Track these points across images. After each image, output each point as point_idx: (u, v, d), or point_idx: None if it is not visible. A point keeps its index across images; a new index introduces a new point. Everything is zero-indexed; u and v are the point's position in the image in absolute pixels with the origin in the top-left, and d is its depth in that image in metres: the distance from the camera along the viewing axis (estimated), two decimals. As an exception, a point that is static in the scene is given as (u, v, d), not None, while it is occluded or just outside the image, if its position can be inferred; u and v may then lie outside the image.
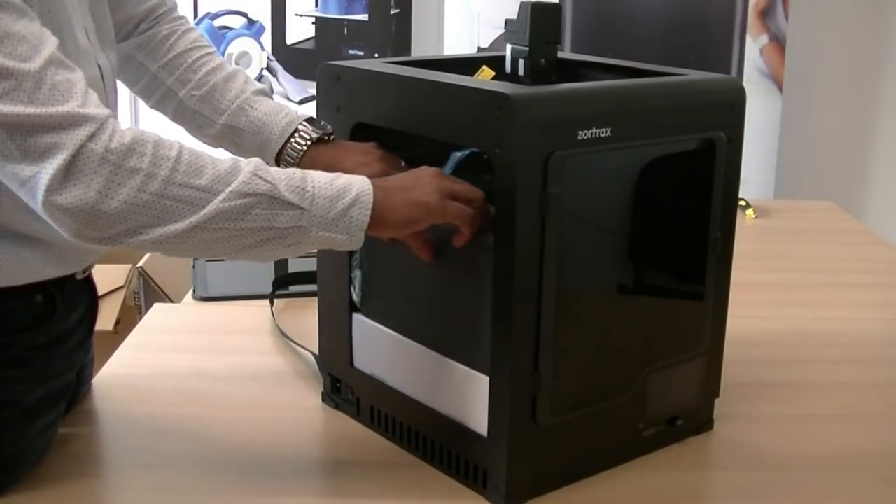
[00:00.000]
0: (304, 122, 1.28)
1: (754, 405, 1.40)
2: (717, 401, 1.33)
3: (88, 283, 1.32)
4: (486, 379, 1.12)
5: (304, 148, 1.26)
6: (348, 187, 1.06)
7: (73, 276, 1.23)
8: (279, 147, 1.28)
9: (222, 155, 1.10)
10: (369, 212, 1.06)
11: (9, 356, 1.15)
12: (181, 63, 1.34)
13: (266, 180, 1.03)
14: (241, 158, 1.06)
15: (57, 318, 1.20)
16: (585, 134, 1.07)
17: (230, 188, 1.01)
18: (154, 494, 1.17)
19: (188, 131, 1.35)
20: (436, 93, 1.14)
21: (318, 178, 1.07)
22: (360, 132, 1.24)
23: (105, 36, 1.23)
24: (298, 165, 1.26)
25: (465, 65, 1.29)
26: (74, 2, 1.14)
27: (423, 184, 1.10)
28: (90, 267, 1.30)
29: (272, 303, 1.69)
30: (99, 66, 1.19)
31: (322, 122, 1.28)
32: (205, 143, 1.33)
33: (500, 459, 1.12)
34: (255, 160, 1.06)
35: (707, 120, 1.20)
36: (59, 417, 1.26)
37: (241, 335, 1.61)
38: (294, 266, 1.88)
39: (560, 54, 1.26)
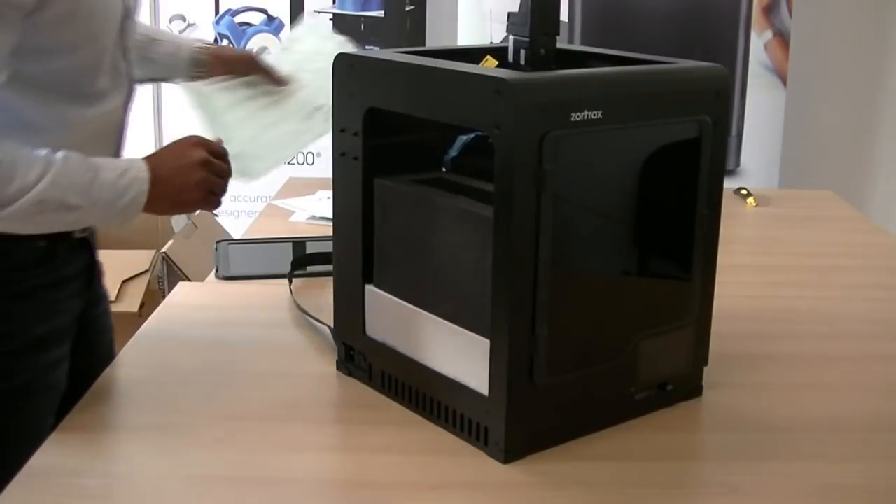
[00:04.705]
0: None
1: (743, 374, 1.49)
2: (707, 370, 1.41)
3: (87, 244, 1.51)
4: (486, 342, 1.21)
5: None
6: (128, 187, 1.32)
7: (70, 233, 1.43)
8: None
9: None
10: (140, 209, 1.34)
11: (20, 289, 1.38)
12: None
13: (61, 186, 1.27)
14: (53, 160, 1.27)
15: (58, 263, 1.42)
16: (578, 116, 1.16)
17: (28, 196, 1.25)
18: (177, 448, 1.26)
19: None
20: (442, 79, 1.23)
21: (105, 179, 1.30)
22: (372, 116, 1.33)
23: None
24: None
25: (471, 55, 1.38)
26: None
27: (190, 186, 1.36)
28: (88, 231, 1.50)
29: (291, 282, 1.78)
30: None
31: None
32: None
33: (499, 417, 1.21)
34: (57, 168, 1.27)
35: (694, 104, 1.29)
36: (67, 358, 1.45)
37: (260, 311, 1.71)
38: (311, 248, 1.98)
39: (561, 46, 1.35)
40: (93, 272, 1.55)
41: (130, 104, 1.48)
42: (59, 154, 1.29)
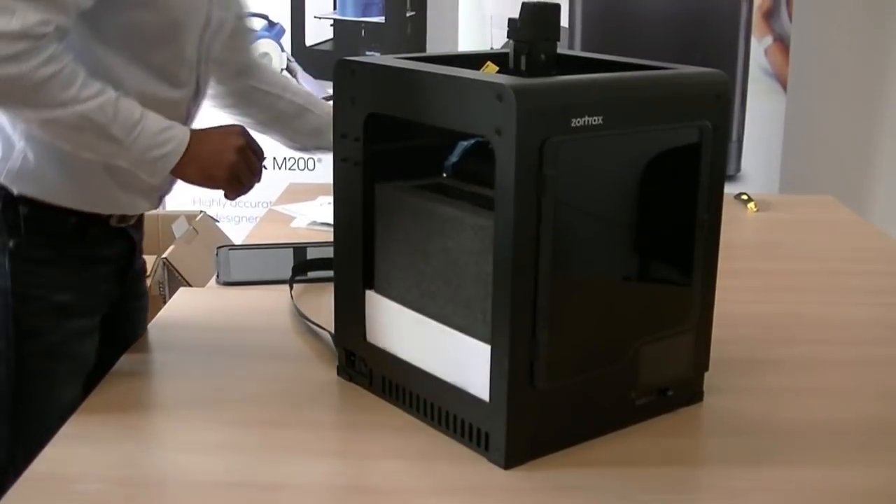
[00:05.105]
0: None
1: (744, 379, 1.49)
2: (707, 375, 1.41)
3: (126, 234, 1.58)
4: (487, 347, 1.21)
5: None
6: (167, 142, 1.37)
7: (107, 219, 1.52)
8: None
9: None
10: (171, 167, 1.38)
11: (49, 254, 1.48)
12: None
13: (107, 114, 1.32)
14: (109, 91, 1.33)
15: (90, 242, 1.51)
16: (578, 122, 1.17)
17: (77, 108, 1.30)
18: (178, 454, 1.27)
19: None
20: (442, 85, 1.24)
21: (149, 126, 1.36)
22: (372, 122, 1.33)
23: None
24: None
25: (471, 61, 1.38)
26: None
27: (222, 165, 1.42)
28: (127, 220, 1.57)
29: (291, 287, 1.78)
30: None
31: None
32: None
33: (500, 422, 1.21)
34: (109, 97, 1.33)
35: (694, 110, 1.29)
36: (96, 332, 1.52)
37: (261, 316, 1.71)
38: (312, 254, 1.98)
39: (562, 51, 1.35)
40: (131, 263, 1.63)
41: (196, 107, 1.57)
42: (116, 92, 1.35)
